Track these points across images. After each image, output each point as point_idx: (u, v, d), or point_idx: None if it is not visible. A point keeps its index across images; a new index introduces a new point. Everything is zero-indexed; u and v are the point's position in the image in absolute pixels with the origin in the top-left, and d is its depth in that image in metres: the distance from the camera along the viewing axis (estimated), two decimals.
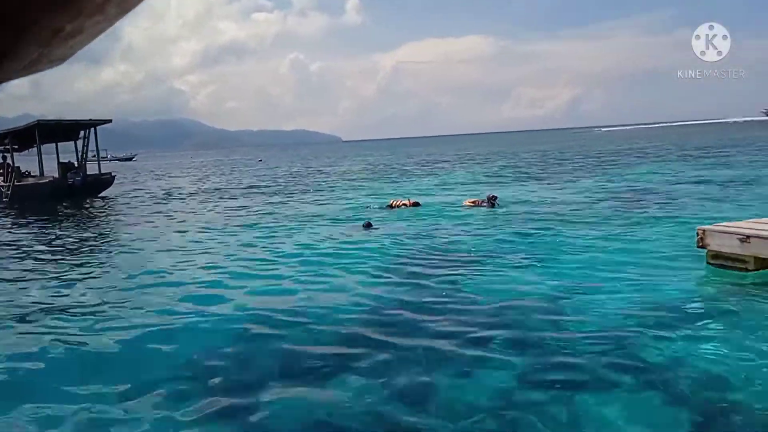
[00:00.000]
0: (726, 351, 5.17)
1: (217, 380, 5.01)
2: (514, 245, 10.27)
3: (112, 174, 29.82)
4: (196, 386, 4.92)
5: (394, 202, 16.09)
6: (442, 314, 6.54)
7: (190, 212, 18.93)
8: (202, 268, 9.60)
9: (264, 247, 11.26)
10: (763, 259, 7.34)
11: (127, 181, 39.68)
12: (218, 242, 12.34)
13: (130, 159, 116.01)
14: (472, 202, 15.81)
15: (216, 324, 6.53)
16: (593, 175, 25.48)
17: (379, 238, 11.45)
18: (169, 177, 45.41)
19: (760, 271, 7.37)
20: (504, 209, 15.03)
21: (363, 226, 12.77)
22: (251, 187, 29.56)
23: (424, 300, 7.12)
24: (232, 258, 10.47)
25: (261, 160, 73.27)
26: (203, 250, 11.35)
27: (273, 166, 57.07)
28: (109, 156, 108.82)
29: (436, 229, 12.33)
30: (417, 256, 9.58)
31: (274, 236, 12.58)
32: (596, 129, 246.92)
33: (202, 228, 14.61)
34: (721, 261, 7.79)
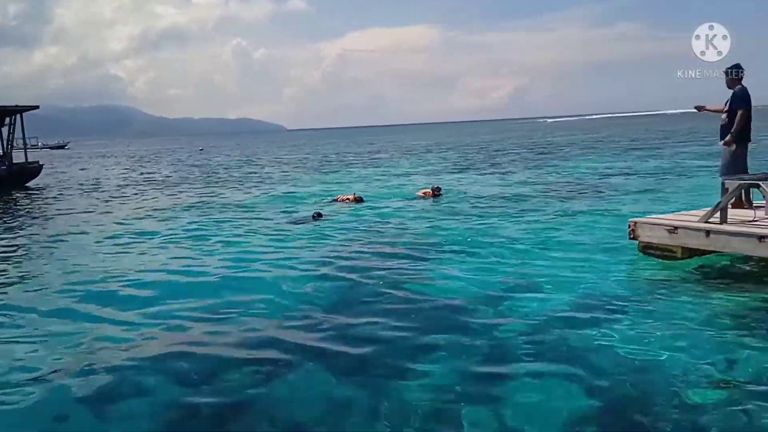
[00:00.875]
0: (655, 336, 5.37)
1: (127, 386, 4.82)
2: (454, 237, 10.38)
3: (40, 163, 28.57)
4: (106, 390, 4.73)
5: (339, 197, 16.12)
6: (379, 308, 6.52)
7: (119, 204, 18.27)
8: (127, 266, 9.17)
9: (195, 243, 10.89)
10: (690, 248, 7.64)
11: (55, 171, 38.04)
12: (146, 237, 11.90)
13: (62, 147, 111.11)
14: (424, 193, 16.30)
15: (133, 326, 6.28)
16: (533, 166, 26.13)
17: (322, 231, 11.33)
18: (101, 166, 43.82)
19: (687, 259, 7.68)
20: (446, 200, 15.27)
21: (312, 216, 12.88)
22: (188, 177, 28.88)
23: (360, 293, 7.09)
24: (160, 253, 10.17)
25: (201, 150, 71.65)
26: (130, 246, 10.90)
27: (213, 155, 55.87)
28: (39, 144, 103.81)
29: (379, 222, 12.31)
30: (357, 250, 9.52)
31: (206, 230, 12.19)
32: (541, 120, 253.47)
33: (131, 222, 14.10)
34: (651, 251, 8.07)
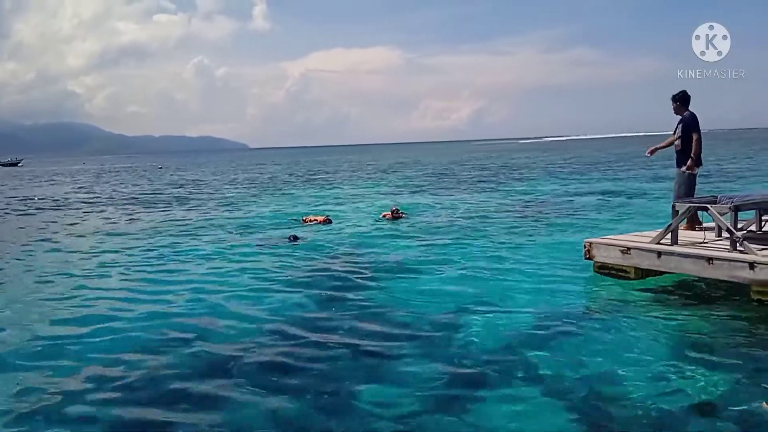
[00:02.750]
0: (609, 351, 5.56)
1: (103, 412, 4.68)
2: (417, 257, 10.45)
3: None
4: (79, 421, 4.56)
5: (308, 218, 15.91)
6: (346, 327, 6.58)
7: (71, 224, 17.65)
8: (82, 289, 8.87)
9: (157, 265, 10.59)
10: (642, 269, 7.82)
11: (4, 188, 36.74)
12: (103, 259, 11.55)
13: (14, 164, 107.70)
14: (384, 216, 16.17)
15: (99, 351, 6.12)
16: (493, 187, 26.52)
17: (299, 254, 11.18)
18: (54, 184, 42.50)
19: (640, 279, 7.85)
20: (409, 221, 15.35)
21: (288, 239, 12.62)
22: (142, 195, 28.34)
23: (327, 315, 7.11)
24: (122, 275, 9.90)
25: (161, 167, 70.50)
26: (83, 269, 10.47)
27: (173, 172, 54.96)
28: None
29: (349, 244, 12.26)
30: (331, 272, 9.45)
31: (168, 254, 11.82)
32: (503, 141, 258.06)
33: (84, 243, 13.65)
34: (606, 270, 8.24)
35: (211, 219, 17.65)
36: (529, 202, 19.39)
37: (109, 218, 18.97)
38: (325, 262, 10.24)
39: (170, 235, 14.44)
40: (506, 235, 12.52)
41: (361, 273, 9.32)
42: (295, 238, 12.67)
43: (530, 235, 12.42)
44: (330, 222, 15.47)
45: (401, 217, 15.81)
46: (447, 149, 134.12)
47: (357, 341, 6.07)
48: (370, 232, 13.91)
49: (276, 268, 9.85)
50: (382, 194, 24.74)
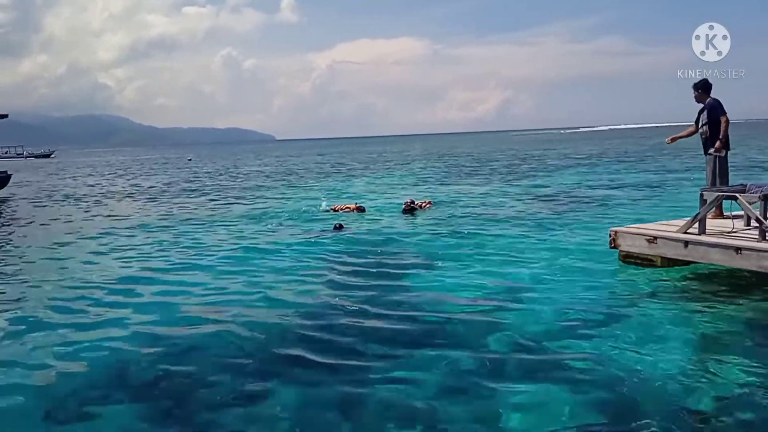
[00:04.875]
0: (634, 344, 5.49)
1: (135, 400, 4.83)
2: (445, 248, 10.51)
3: (8, 173, 28.36)
4: (110, 407, 4.69)
5: (338, 207, 15.84)
6: (376, 317, 6.65)
7: (103, 215, 17.90)
8: (117, 278, 9.11)
9: (189, 253, 10.84)
10: (668, 258, 7.76)
11: (31, 181, 37.72)
12: (143, 245, 11.94)
13: (47, 156, 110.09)
14: (407, 206, 15.85)
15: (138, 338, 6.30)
16: (519, 178, 26.37)
17: (319, 243, 11.30)
18: (85, 176, 43.44)
19: (667, 268, 7.81)
20: (434, 213, 15.36)
21: (334, 227, 12.60)
22: (171, 186, 28.81)
23: (360, 305, 7.15)
24: (157, 261, 10.23)
25: (190, 159, 71.48)
26: (121, 258, 10.74)
27: (202, 164, 55.75)
28: (24, 153, 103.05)
29: (375, 234, 12.32)
30: (353, 263, 9.54)
31: (200, 240, 12.15)
32: (529, 132, 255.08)
33: (122, 233, 13.90)
34: (631, 260, 8.19)
35: (245, 209, 17.88)
36: (556, 192, 19.26)
37: (154, 209, 19.25)
38: (360, 253, 10.30)
39: (212, 225, 14.60)
40: (532, 226, 12.49)
41: (389, 264, 9.39)
42: (341, 227, 12.54)
43: (556, 226, 12.37)
44: (363, 210, 15.41)
45: (419, 209, 15.63)
46: (473, 140, 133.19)
47: (386, 332, 6.12)
48: (397, 222, 13.97)
49: (318, 258, 9.95)
50: (408, 185, 24.80)
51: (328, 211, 15.81)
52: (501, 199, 17.91)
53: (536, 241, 10.68)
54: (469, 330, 6.11)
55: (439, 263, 9.32)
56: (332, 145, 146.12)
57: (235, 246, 11.43)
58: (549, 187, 21.38)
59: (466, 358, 5.33)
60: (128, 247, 11.75)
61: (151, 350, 5.80)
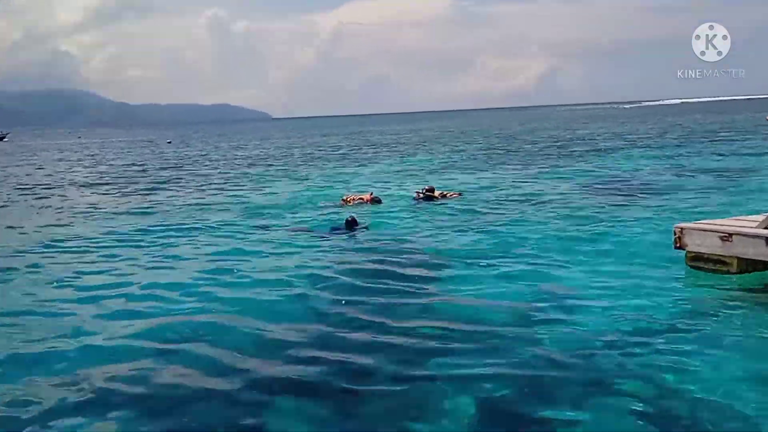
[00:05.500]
0: (701, 365, 5.45)
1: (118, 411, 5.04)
2: (477, 246, 10.65)
3: None
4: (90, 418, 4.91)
5: (349, 197, 15.99)
6: (409, 319, 6.88)
7: (61, 210, 18.10)
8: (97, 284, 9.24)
9: (166, 256, 10.95)
10: (747, 260, 7.62)
11: None
12: (110, 246, 12.06)
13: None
14: (418, 194, 16.19)
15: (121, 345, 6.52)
16: (566, 162, 26.28)
17: (327, 242, 11.41)
18: (43, 162, 43.78)
19: (744, 274, 7.67)
20: (462, 204, 15.44)
21: (346, 223, 12.46)
22: (145, 175, 29.04)
23: (373, 317, 7.24)
24: (126, 264, 10.35)
25: (170, 142, 72.00)
26: (84, 262, 10.83)
27: (184, 148, 56.13)
28: None
29: (392, 228, 12.49)
30: (366, 266, 9.63)
31: (179, 240, 12.28)
32: (578, 107, 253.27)
33: (84, 232, 13.94)
34: (700, 263, 8.10)
35: (235, 201, 18.07)
36: (609, 180, 19.18)
37: (123, 202, 19.42)
38: (375, 253, 10.38)
39: (195, 221, 14.71)
40: (581, 221, 12.46)
41: (409, 267, 9.46)
42: (353, 221, 12.44)
43: (608, 221, 12.33)
44: (379, 202, 15.58)
45: (440, 199, 15.82)
46: (509, 117, 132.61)
47: (410, 342, 6.24)
48: (418, 216, 14.06)
49: (325, 260, 10.03)
50: (430, 172, 24.85)
51: (339, 203, 15.92)
52: (542, 189, 17.86)
53: (584, 240, 10.66)
54: (503, 346, 6.11)
55: (468, 265, 9.34)
56: (339, 124, 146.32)
57: (223, 247, 11.49)
58: (601, 173, 21.28)
59: (500, 379, 5.34)
60: (92, 248, 11.81)
61: (124, 367, 5.92)
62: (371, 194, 15.97)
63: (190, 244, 11.87)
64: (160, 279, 9.18)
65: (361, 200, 15.59)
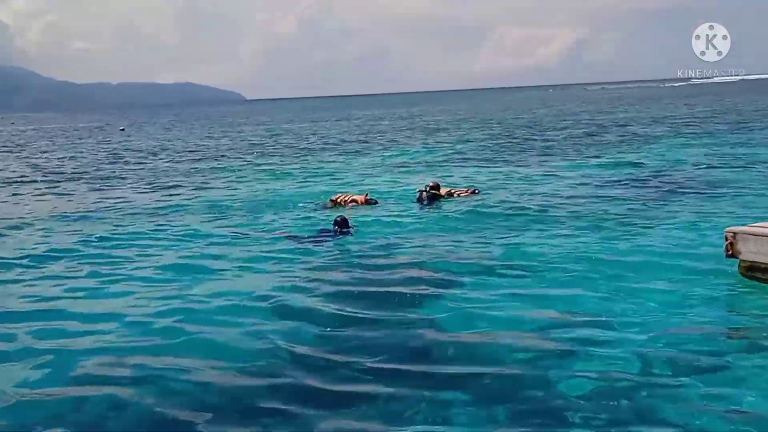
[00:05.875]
0: (760, 404, 5.44)
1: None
2: (496, 253, 10.74)
3: None
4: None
5: (340, 198, 16.02)
6: (407, 347, 6.92)
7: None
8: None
9: (111, 270, 10.84)
10: None
11: None
12: (45, 257, 12.01)
13: None
14: (421, 192, 16.16)
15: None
16: (598, 153, 26.32)
17: (310, 252, 11.42)
18: None
19: None
20: (478, 203, 15.46)
21: (334, 225, 12.54)
22: (90, 170, 29.01)
23: (383, 332, 7.39)
24: (69, 279, 10.34)
25: (123, 129, 71.93)
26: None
27: (140, 137, 56.14)
28: None
29: (391, 236, 12.49)
30: (357, 281, 9.69)
31: (126, 252, 12.11)
32: (610, 86, 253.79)
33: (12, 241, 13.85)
34: (757, 274, 8.11)
35: (204, 201, 18.13)
36: (648, 175, 19.19)
37: (63, 202, 19.42)
38: (368, 266, 10.40)
39: (148, 226, 14.71)
40: (613, 225, 12.47)
41: (409, 283, 9.47)
42: (343, 224, 12.48)
43: (646, 224, 12.35)
44: (374, 203, 15.67)
45: (447, 198, 15.85)
46: (531, 98, 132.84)
47: (401, 390, 6.09)
48: (421, 219, 14.13)
49: (306, 274, 10.04)
50: (436, 166, 24.84)
51: (326, 205, 15.95)
52: (568, 186, 17.88)
53: (616, 249, 10.64)
54: (514, 387, 6.06)
55: (479, 280, 9.36)
56: (326, 107, 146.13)
57: (185, 259, 11.43)
58: (637, 167, 21.31)
59: (520, 403, 5.46)
60: (14, 264, 11.54)
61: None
62: (366, 195, 15.99)
63: (142, 257, 11.68)
64: (99, 306, 9.01)
65: (355, 202, 15.62)
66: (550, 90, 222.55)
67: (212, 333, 7.65)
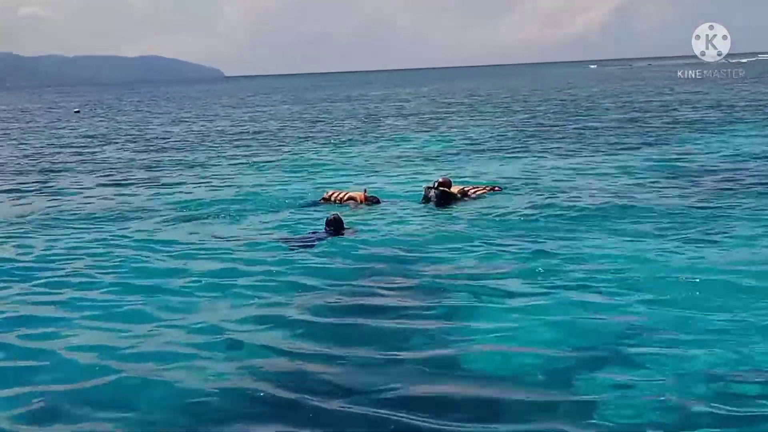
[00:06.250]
0: None
1: None
2: (512, 264, 10.70)
3: None
4: None
5: (334, 195, 16.15)
6: (401, 382, 6.92)
7: None
8: None
9: (66, 283, 10.92)
10: None
11: None
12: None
13: None
14: (429, 191, 16.10)
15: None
16: (647, 142, 26.24)
17: (297, 261, 11.43)
18: None
19: None
20: (500, 202, 15.51)
21: (327, 224, 12.66)
22: (38, 161, 29.09)
23: (385, 356, 7.43)
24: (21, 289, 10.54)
25: (78, 111, 72.11)
26: None
27: (97, 121, 56.14)
28: None
29: (393, 241, 12.52)
30: (352, 291, 9.80)
31: (67, 261, 12.21)
32: (657, 62, 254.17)
33: None
34: None
35: (171, 199, 18.23)
36: (704, 169, 19.21)
37: (7, 198, 19.77)
38: (365, 274, 10.50)
39: (106, 230, 14.66)
40: (660, 227, 12.50)
41: (413, 293, 9.59)
42: (338, 225, 12.60)
43: (700, 227, 12.39)
44: (376, 202, 15.78)
45: (457, 196, 15.85)
46: (564, 76, 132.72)
47: (402, 419, 6.22)
48: (429, 221, 14.23)
49: (293, 283, 10.15)
50: (449, 157, 24.80)
51: (318, 202, 16.11)
52: (606, 181, 17.93)
53: (665, 255, 10.66)
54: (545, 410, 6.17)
55: (498, 292, 9.44)
56: (319, 86, 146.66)
57: (146, 271, 11.41)
58: (691, 160, 21.32)
59: None
60: None
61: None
62: (365, 192, 16.00)
63: (94, 266, 11.67)
64: (41, 329, 8.96)
65: (352, 200, 15.70)
66: (592, 66, 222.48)
67: (181, 355, 7.76)
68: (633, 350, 7.38)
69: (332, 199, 15.92)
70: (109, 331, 8.66)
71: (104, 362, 7.73)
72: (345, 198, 15.82)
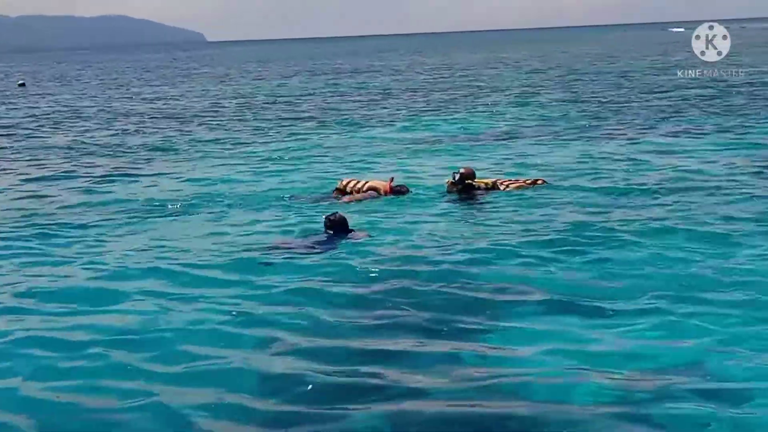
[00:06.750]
0: None
1: None
2: (555, 276, 10.74)
3: None
4: None
5: (351, 184, 16.12)
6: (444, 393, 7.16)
7: None
8: None
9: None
10: None
11: None
12: None
13: None
14: (448, 183, 16.16)
15: None
16: (718, 124, 26.04)
17: (301, 268, 11.44)
18: None
19: None
20: (532, 200, 15.40)
21: (325, 225, 12.62)
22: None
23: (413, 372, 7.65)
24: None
25: (22, 84, 72.77)
26: None
27: (46, 96, 56.44)
28: None
29: (418, 243, 12.62)
30: (363, 307, 9.83)
31: (42, 266, 12.20)
32: (692, 25, 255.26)
33: None
34: None
35: (138, 193, 18.16)
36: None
37: None
38: (381, 283, 10.54)
39: (55, 229, 14.58)
40: (743, 229, 12.55)
41: (436, 307, 9.60)
42: (340, 228, 12.52)
43: None
44: (406, 192, 15.89)
45: (481, 190, 15.82)
46: (607, 42, 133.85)
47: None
48: (455, 214, 14.53)
49: (297, 295, 10.18)
50: (480, 143, 24.62)
51: (332, 194, 16.15)
52: (678, 171, 17.91)
53: (747, 260, 10.77)
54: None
55: (543, 306, 9.52)
56: (314, 53, 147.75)
57: (100, 278, 11.40)
58: (760, 139, 21.74)
59: None
60: None
61: None
62: (391, 180, 15.97)
63: (55, 279, 11.56)
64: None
65: (374, 190, 15.67)
66: (677, 30, 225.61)
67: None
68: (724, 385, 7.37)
69: (349, 189, 15.87)
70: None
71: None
72: (365, 188, 15.78)
